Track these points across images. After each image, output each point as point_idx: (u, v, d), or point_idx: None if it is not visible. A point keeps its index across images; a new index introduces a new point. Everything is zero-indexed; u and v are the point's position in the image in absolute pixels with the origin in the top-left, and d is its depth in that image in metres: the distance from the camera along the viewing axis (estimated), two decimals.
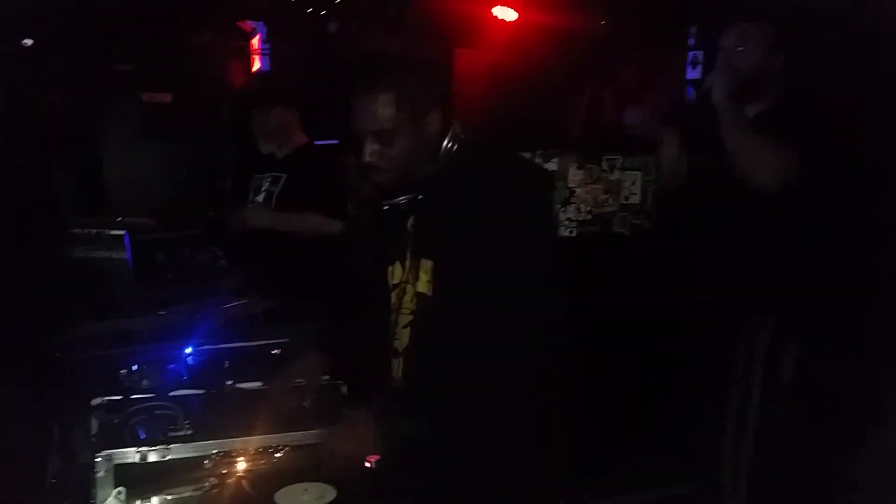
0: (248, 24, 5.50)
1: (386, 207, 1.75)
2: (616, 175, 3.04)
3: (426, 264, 1.73)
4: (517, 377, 1.61)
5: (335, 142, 3.53)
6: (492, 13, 4.54)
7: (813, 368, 2.41)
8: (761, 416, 2.43)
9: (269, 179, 3.26)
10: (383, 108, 1.63)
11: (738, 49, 2.39)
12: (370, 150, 1.68)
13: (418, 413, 1.63)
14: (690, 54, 3.35)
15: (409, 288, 1.75)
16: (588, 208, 2.68)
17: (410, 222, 1.77)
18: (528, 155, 2.89)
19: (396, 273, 1.79)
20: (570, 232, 2.67)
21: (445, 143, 1.70)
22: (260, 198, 3.23)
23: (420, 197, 1.72)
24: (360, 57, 1.76)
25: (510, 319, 1.59)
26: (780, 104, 2.42)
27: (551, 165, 2.74)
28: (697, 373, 2.65)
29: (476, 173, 1.68)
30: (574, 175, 2.71)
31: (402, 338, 1.79)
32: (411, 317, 1.76)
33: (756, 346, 2.43)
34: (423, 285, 1.73)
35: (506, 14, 4.53)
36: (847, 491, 2.20)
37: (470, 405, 1.60)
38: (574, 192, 2.67)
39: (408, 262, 1.76)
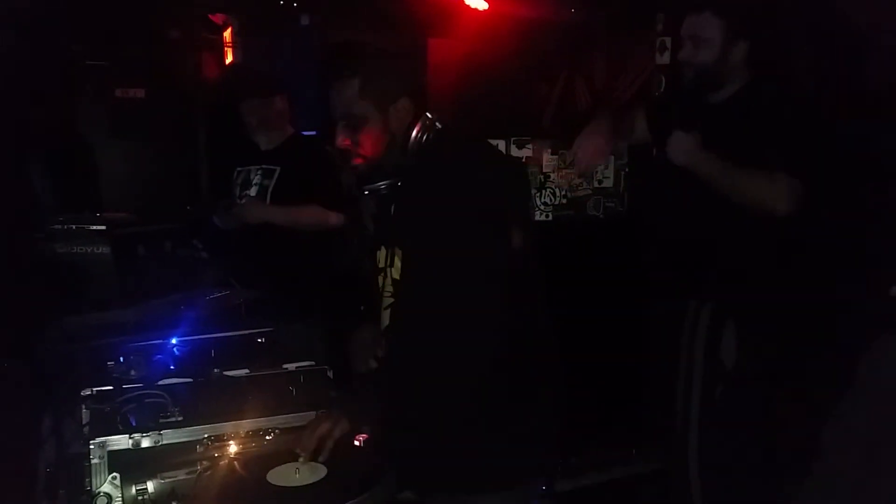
0: (220, 17, 5.49)
1: (366, 192, 1.80)
2: None
3: (399, 251, 1.78)
4: (479, 363, 1.64)
5: (315, 133, 3.54)
6: (463, 2, 4.57)
7: (751, 353, 2.40)
8: (706, 400, 2.43)
9: (259, 172, 3.21)
10: (352, 94, 1.69)
11: (699, 37, 2.39)
12: (341, 133, 1.74)
13: (389, 394, 1.67)
14: (658, 40, 3.41)
15: (390, 272, 1.80)
16: (563, 192, 2.74)
17: (392, 208, 1.82)
18: (501, 142, 2.94)
19: (381, 257, 1.84)
20: (547, 216, 2.72)
21: (417, 131, 1.74)
22: (252, 191, 3.19)
23: (399, 184, 1.77)
24: (332, 45, 1.80)
25: (472, 307, 1.63)
26: (744, 90, 2.44)
27: (526, 152, 2.80)
28: (650, 354, 2.68)
29: (444, 162, 1.72)
30: (548, 160, 2.76)
31: (385, 320, 1.84)
32: (391, 300, 1.82)
33: (697, 329, 2.44)
34: (396, 271, 1.79)
35: (477, 3, 4.56)
36: (797, 473, 2.24)
37: (434, 389, 1.64)
38: (549, 176, 2.73)
39: (388, 247, 1.82)
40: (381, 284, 1.84)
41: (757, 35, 2.40)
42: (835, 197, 2.57)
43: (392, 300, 1.82)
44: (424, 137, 1.74)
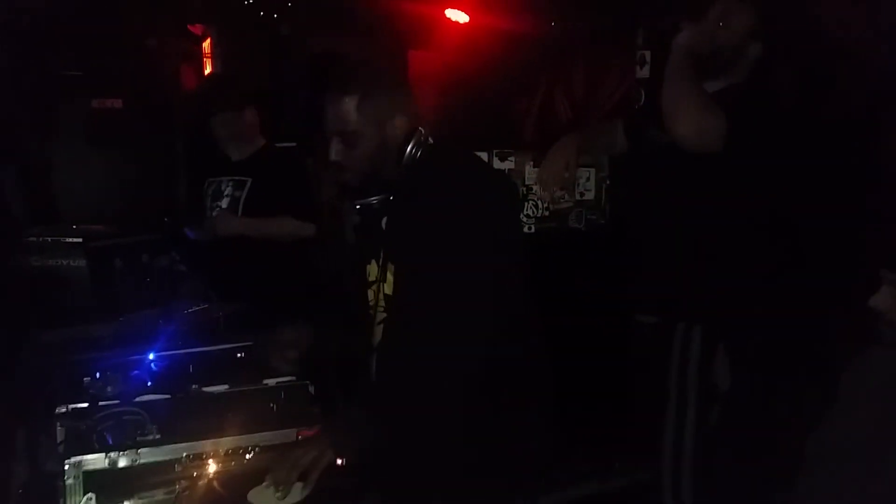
0: (199, 28, 5.46)
1: (358, 207, 1.79)
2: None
3: (391, 266, 1.77)
4: (471, 380, 1.63)
5: (292, 144, 3.52)
6: (444, 15, 4.58)
7: (745, 374, 2.38)
8: (701, 421, 2.40)
9: (230, 184, 3.20)
10: (349, 111, 1.68)
11: (720, 23, 2.33)
12: (335, 149, 1.73)
13: (380, 410, 1.66)
14: (638, 54, 3.42)
15: (384, 287, 1.79)
16: (545, 205, 2.74)
17: (384, 223, 1.81)
18: (484, 153, 2.94)
19: (372, 271, 1.83)
20: (530, 228, 2.72)
21: (410, 147, 1.73)
22: (223, 203, 3.18)
23: (391, 198, 1.76)
24: (328, 59, 1.81)
25: (464, 323, 1.62)
26: (745, 85, 2.39)
27: (508, 164, 2.79)
28: (636, 373, 2.67)
29: (435, 178, 1.72)
30: (530, 172, 2.76)
31: (377, 335, 1.82)
32: (384, 314, 1.80)
33: (689, 353, 2.41)
34: (388, 286, 1.78)
35: (458, 16, 4.58)
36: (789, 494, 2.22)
37: (425, 405, 1.63)
38: (531, 189, 2.73)
39: (380, 262, 1.80)
40: (373, 299, 1.83)
41: (774, 40, 2.39)
42: (823, 211, 2.58)
43: (385, 315, 1.80)
44: (417, 153, 1.73)
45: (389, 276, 1.78)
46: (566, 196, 2.70)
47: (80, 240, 2.75)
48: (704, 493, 2.42)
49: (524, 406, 1.78)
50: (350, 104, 1.68)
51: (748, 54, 2.38)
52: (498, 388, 1.70)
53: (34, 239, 2.75)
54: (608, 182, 2.96)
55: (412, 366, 1.64)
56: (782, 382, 2.48)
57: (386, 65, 1.82)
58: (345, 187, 1.80)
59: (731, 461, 2.40)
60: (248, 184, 3.17)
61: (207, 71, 5.49)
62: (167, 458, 1.65)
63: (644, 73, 3.86)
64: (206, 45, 5.50)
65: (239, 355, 2.31)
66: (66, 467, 1.58)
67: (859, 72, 2.69)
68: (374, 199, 1.76)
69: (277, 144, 3.43)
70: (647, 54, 3.82)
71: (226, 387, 2.00)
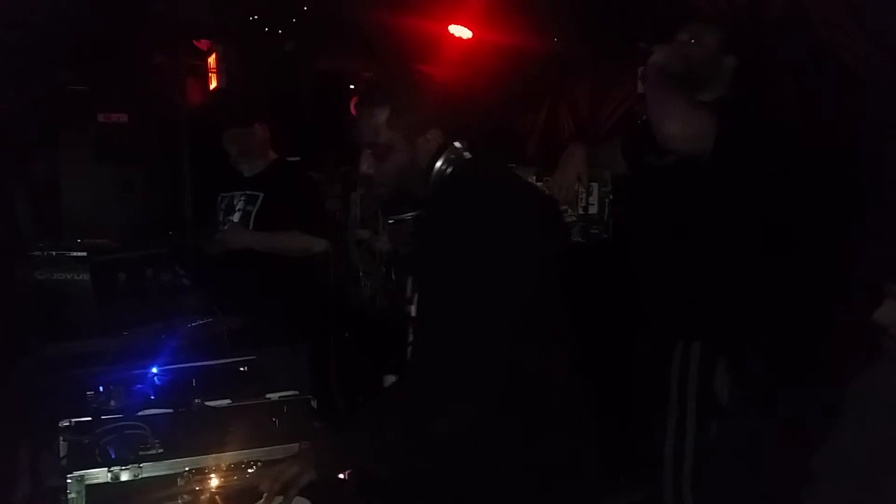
0: (204, 43, 5.49)
1: (391, 221, 1.77)
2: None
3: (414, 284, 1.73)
4: (498, 406, 1.56)
5: (297, 158, 3.54)
6: (447, 31, 4.60)
7: (747, 387, 2.34)
8: (701, 435, 2.37)
9: (242, 198, 3.21)
10: (380, 124, 1.66)
11: (692, 41, 2.39)
12: (367, 162, 1.71)
13: (404, 433, 1.58)
14: (640, 70, 3.43)
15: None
16: None
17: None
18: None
19: (409, 287, 1.78)
20: None
21: (440, 162, 1.68)
22: (235, 217, 3.18)
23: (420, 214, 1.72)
24: (332, 75, 1.79)
25: (490, 346, 1.54)
26: (732, 98, 2.38)
27: None
28: (636, 388, 2.66)
29: (458, 195, 1.65)
30: None
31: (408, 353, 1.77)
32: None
33: (689, 368, 2.38)
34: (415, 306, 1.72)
35: (461, 32, 4.60)
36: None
37: (450, 428, 1.56)
38: None
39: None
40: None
41: (747, 51, 2.43)
42: (822, 224, 2.57)
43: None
44: (448, 168, 1.68)
45: (415, 296, 1.71)
46: (569, 210, 2.71)
47: (84, 254, 2.76)
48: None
49: (565, 435, 1.67)
50: (380, 118, 1.65)
51: (724, 66, 2.43)
52: (538, 415, 1.62)
53: (39, 253, 2.77)
54: (611, 197, 2.96)
55: (442, 385, 1.56)
56: (784, 396, 2.47)
57: (418, 78, 1.75)
58: (378, 200, 1.76)
59: (732, 475, 2.38)
60: (260, 198, 3.18)
61: (213, 86, 5.52)
62: (169, 472, 1.65)
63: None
64: (212, 60, 5.54)
65: (242, 369, 2.32)
66: (69, 481, 1.58)
67: (856, 82, 2.70)
68: (408, 215, 1.72)
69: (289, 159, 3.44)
70: None
71: (228, 401, 2.01)
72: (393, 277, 4.19)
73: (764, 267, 2.36)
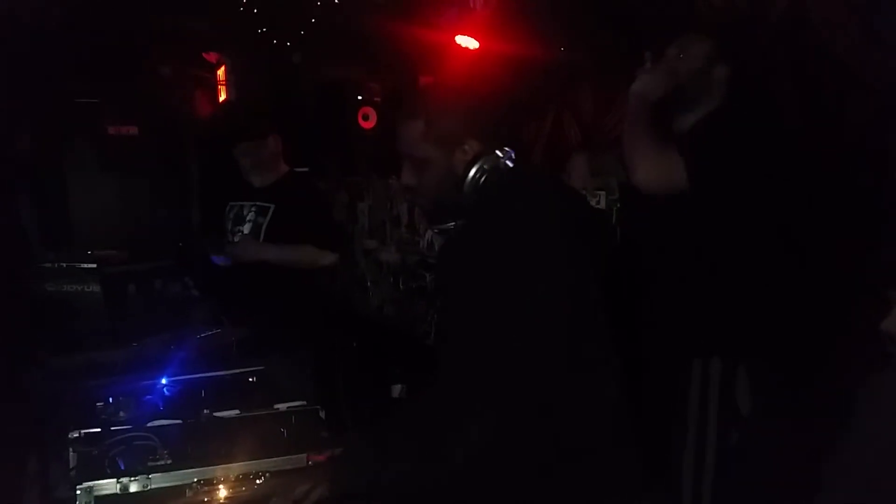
0: (213, 56, 5.54)
1: (436, 231, 1.77)
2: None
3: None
4: (533, 434, 1.51)
5: (305, 169, 3.55)
6: (454, 42, 4.62)
7: (768, 396, 2.35)
8: (722, 444, 2.37)
9: (253, 209, 3.20)
10: (416, 136, 1.66)
11: (679, 56, 2.39)
12: (406, 173, 1.71)
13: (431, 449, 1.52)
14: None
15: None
16: None
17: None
18: None
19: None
20: None
21: (474, 171, 1.64)
22: (245, 228, 3.17)
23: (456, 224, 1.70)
24: (339, 86, 1.80)
25: (526, 356, 1.48)
26: (715, 116, 2.38)
27: None
28: (650, 400, 2.64)
29: (504, 205, 1.61)
30: None
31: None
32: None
33: (709, 382, 2.37)
34: None
35: (468, 42, 4.62)
36: None
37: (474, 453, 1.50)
38: None
39: None
40: None
41: (739, 59, 2.42)
42: (828, 231, 2.56)
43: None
44: (481, 178, 1.64)
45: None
46: None
47: (94, 266, 2.78)
48: None
49: (608, 453, 1.61)
50: (417, 129, 1.65)
51: (715, 76, 2.41)
52: (574, 431, 1.57)
53: (49, 265, 2.78)
54: (619, 205, 2.97)
55: (480, 395, 1.50)
56: (803, 405, 2.45)
57: (456, 89, 1.75)
58: (422, 210, 1.76)
59: (752, 485, 2.37)
60: (272, 210, 3.17)
61: (222, 98, 5.56)
62: (178, 483, 1.64)
63: None
64: (221, 72, 5.57)
65: (250, 380, 2.32)
66: (78, 492, 1.58)
67: (855, 83, 2.69)
68: (451, 225, 1.70)
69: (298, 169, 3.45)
70: None
71: (237, 412, 2.01)
72: (401, 287, 4.20)
73: (777, 276, 2.35)
